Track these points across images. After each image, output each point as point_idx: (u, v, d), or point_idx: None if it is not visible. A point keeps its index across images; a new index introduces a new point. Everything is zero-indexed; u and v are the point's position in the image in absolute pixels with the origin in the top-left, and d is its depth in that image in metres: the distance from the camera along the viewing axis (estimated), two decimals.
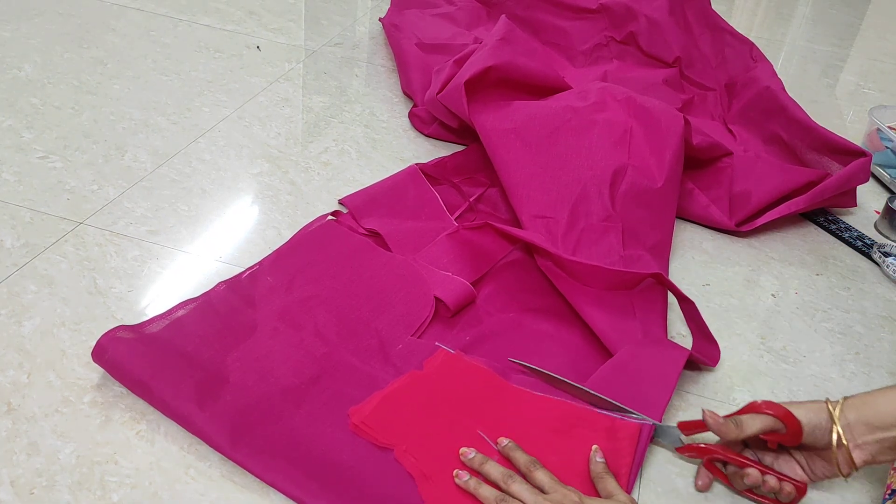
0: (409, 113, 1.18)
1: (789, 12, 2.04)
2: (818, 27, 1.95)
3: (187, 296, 0.76)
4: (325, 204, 0.95)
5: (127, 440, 0.62)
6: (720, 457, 0.64)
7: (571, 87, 1.10)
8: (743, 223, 1.01)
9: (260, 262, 0.81)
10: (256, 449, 0.61)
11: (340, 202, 0.95)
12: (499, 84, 1.05)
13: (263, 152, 1.04)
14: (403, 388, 0.68)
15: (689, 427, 0.65)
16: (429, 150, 1.10)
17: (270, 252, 0.83)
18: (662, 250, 0.92)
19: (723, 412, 0.65)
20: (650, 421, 0.66)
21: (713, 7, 1.49)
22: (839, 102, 1.51)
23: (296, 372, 0.68)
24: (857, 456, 0.61)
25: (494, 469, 0.61)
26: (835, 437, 0.61)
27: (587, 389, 0.68)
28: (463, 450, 0.63)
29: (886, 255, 0.99)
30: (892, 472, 0.65)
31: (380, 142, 1.11)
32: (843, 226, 1.06)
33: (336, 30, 1.46)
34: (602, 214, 0.89)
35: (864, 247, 1.02)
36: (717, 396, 0.75)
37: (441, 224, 0.91)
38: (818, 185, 1.02)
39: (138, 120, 1.07)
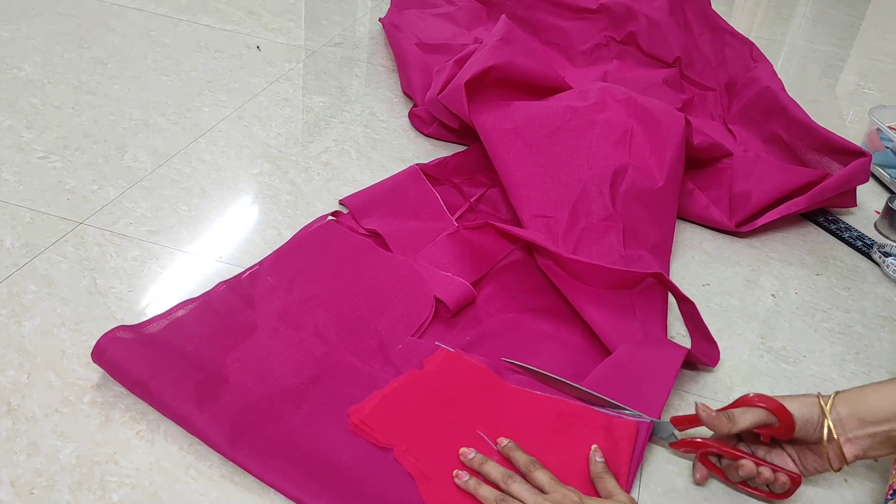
0: (409, 113, 1.18)
1: (789, 12, 2.04)
2: (818, 27, 1.95)
3: (187, 296, 0.76)
4: (325, 204, 0.95)
5: (127, 440, 0.62)
6: (714, 450, 0.64)
7: (571, 87, 1.10)
8: (743, 223, 1.01)
9: (260, 263, 0.81)
10: (256, 449, 0.61)
11: (341, 202, 0.95)
12: (499, 84, 1.05)
13: (263, 152, 1.04)
14: (403, 387, 0.68)
15: (683, 422, 0.65)
16: (429, 150, 1.10)
17: (270, 252, 0.83)
18: (663, 250, 0.92)
19: (718, 408, 0.65)
20: (647, 418, 0.66)
21: (713, 7, 1.49)
22: (839, 102, 1.51)
23: (296, 372, 0.68)
24: (848, 450, 0.61)
25: (494, 469, 0.61)
26: (825, 431, 0.61)
27: (583, 388, 0.69)
28: (463, 450, 0.63)
29: (886, 255, 0.99)
30: (894, 471, 0.65)
31: (380, 142, 1.11)
32: (843, 226, 1.06)
33: (336, 30, 1.46)
34: (602, 214, 0.89)
35: (864, 247, 1.02)
36: (716, 396, 0.75)
37: (441, 224, 0.91)
38: (818, 185, 1.02)
39: (138, 120, 1.07)
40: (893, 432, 0.60)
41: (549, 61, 1.29)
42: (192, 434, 0.62)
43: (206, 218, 0.90)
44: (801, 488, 0.64)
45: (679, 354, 0.73)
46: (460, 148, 1.10)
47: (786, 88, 1.25)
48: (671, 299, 0.84)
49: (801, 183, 1.04)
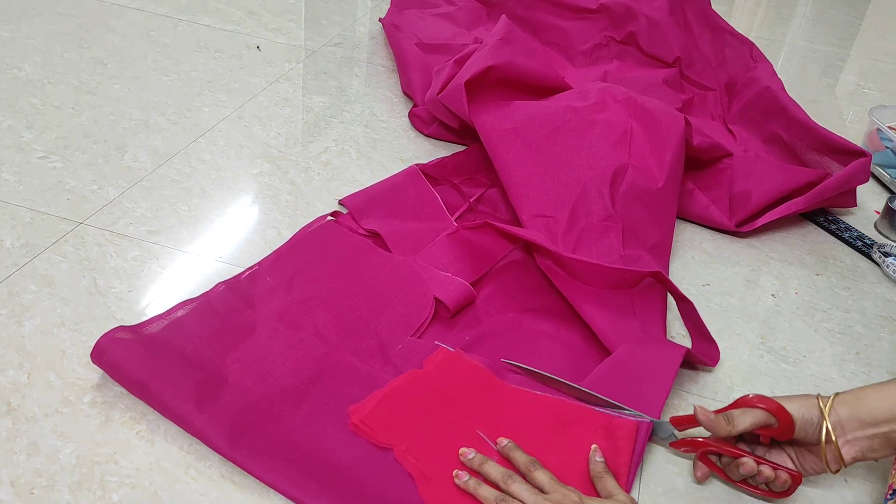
0: (409, 113, 1.18)
1: (789, 12, 2.04)
2: (818, 27, 1.95)
3: (187, 296, 0.76)
4: (325, 204, 0.95)
5: (127, 440, 0.62)
6: (714, 449, 0.64)
7: (571, 87, 1.10)
8: (743, 223, 1.01)
9: (259, 263, 0.81)
10: (256, 449, 0.61)
11: (340, 202, 0.95)
12: (499, 84, 1.05)
13: (263, 152, 1.04)
14: (403, 386, 0.68)
15: (682, 422, 0.65)
16: (429, 150, 1.10)
17: (270, 252, 0.83)
18: (663, 250, 0.92)
19: (718, 408, 0.65)
20: (647, 418, 0.66)
21: (713, 7, 1.49)
22: (839, 102, 1.51)
23: (295, 372, 0.68)
24: (847, 452, 0.61)
25: (494, 469, 0.61)
26: (824, 432, 0.61)
27: (583, 388, 0.69)
28: (462, 450, 0.63)
29: (886, 255, 0.99)
30: (893, 471, 0.65)
31: (380, 142, 1.11)
32: (843, 226, 1.06)
33: (336, 30, 1.46)
34: (602, 214, 0.89)
35: (864, 247, 1.02)
36: (716, 396, 0.75)
37: (441, 224, 0.91)
38: (818, 185, 1.02)
39: (138, 120, 1.07)
40: (893, 433, 0.60)
41: (549, 61, 1.29)
42: (191, 434, 0.62)
43: (206, 218, 0.90)
44: (801, 488, 0.64)
45: (678, 354, 0.73)
46: (460, 148, 1.10)
47: (786, 88, 1.25)
48: (671, 299, 0.84)
49: (801, 183, 1.04)
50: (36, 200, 0.88)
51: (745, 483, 0.64)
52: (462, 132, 1.10)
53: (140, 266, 0.81)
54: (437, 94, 1.07)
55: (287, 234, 0.87)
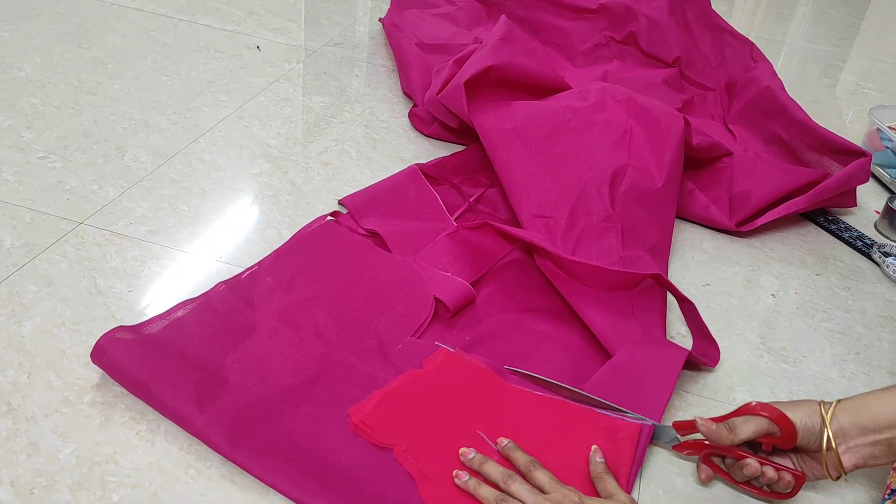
0: (409, 113, 1.18)
1: (789, 12, 2.04)
2: (818, 27, 1.95)
3: (187, 296, 0.76)
4: (325, 204, 0.95)
5: (127, 440, 0.62)
6: (718, 451, 0.64)
7: (571, 87, 1.10)
8: (743, 223, 1.01)
9: (259, 263, 0.81)
10: (256, 449, 0.61)
11: (340, 202, 0.95)
12: (499, 84, 1.05)
13: (263, 152, 1.04)
14: (403, 386, 0.68)
15: (685, 426, 0.65)
16: (429, 150, 1.10)
17: (270, 252, 0.83)
18: (662, 251, 0.92)
19: (722, 412, 0.65)
20: (649, 421, 0.66)
21: (713, 7, 1.49)
22: (839, 102, 1.51)
23: (295, 372, 0.68)
24: (847, 460, 0.61)
25: (494, 469, 0.61)
26: (825, 440, 0.61)
27: (586, 393, 0.68)
28: (462, 450, 0.63)
29: (886, 255, 0.99)
30: (892, 471, 0.65)
31: (380, 142, 1.11)
32: (843, 226, 1.06)
33: (336, 30, 1.46)
34: (602, 214, 0.89)
35: (864, 247, 1.02)
36: (716, 396, 0.75)
37: (441, 224, 0.91)
38: (818, 185, 1.02)
39: (138, 120, 1.07)
40: (895, 440, 0.60)
41: (549, 61, 1.29)
42: (191, 434, 0.62)
43: (206, 218, 0.90)
44: (802, 488, 0.64)
45: (680, 356, 0.73)
46: (460, 148, 1.10)
47: (786, 88, 1.25)
48: (671, 300, 0.84)
49: (801, 183, 1.04)
50: (36, 200, 0.88)
51: (749, 484, 0.64)
52: (462, 132, 1.10)
53: (140, 266, 0.81)
54: (437, 93, 1.07)
55: (287, 234, 0.87)
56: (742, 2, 2.10)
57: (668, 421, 0.67)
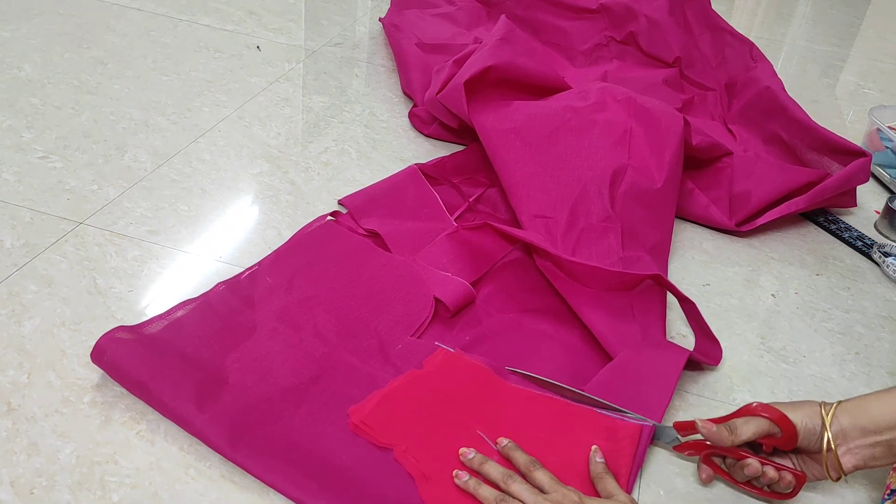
0: (409, 113, 1.18)
1: (789, 12, 2.04)
2: (818, 27, 1.95)
3: (187, 296, 0.76)
4: (325, 204, 0.95)
5: (127, 440, 0.62)
6: (718, 451, 0.64)
7: (571, 87, 1.10)
8: (743, 223, 1.01)
9: (259, 263, 0.81)
10: (256, 449, 0.61)
11: (340, 202, 0.95)
12: (498, 84, 1.05)
13: (263, 152, 1.04)
14: (403, 386, 0.68)
15: (685, 427, 0.65)
16: (429, 150, 1.10)
17: (270, 252, 0.83)
18: (662, 251, 0.92)
19: (723, 412, 0.65)
20: (650, 422, 0.66)
21: (713, 7, 1.49)
22: (839, 102, 1.51)
23: (295, 372, 0.68)
24: (847, 461, 0.61)
25: (494, 469, 0.61)
26: (825, 441, 0.61)
27: (586, 394, 0.68)
28: (462, 450, 0.63)
29: (886, 255, 0.99)
30: (892, 472, 0.65)
31: (380, 142, 1.11)
32: (843, 226, 1.06)
33: (336, 30, 1.46)
34: (602, 215, 0.89)
35: (864, 247, 1.02)
36: (716, 396, 0.75)
37: (440, 224, 0.91)
38: (818, 185, 1.02)
39: (138, 120, 1.07)
40: (895, 441, 0.60)
41: (549, 61, 1.29)
42: (191, 434, 0.62)
43: (206, 218, 0.90)
44: (802, 489, 0.64)
45: (681, 358, 0.73)
46: (460, 148, 1.10)
47: (786, 88, 1.25)
48: (671, 300, 0.84)
49: (801, 183, 1.04)
50: (36, 200, 0.88)
51: (749, 484, 0.64)
52: (462, 132, 1.10)
53: (140, 266, 0.81)
54: (437, 93, 1.07)
55: (287, 234, 0.87)
56: (742, 2, 2.10)
57: (669, 421, 0.67)
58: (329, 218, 0.90)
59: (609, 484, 0.60)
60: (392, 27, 1.39)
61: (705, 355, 0.77)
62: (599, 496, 0.60)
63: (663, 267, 0.91)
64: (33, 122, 1.04)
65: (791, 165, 1.10)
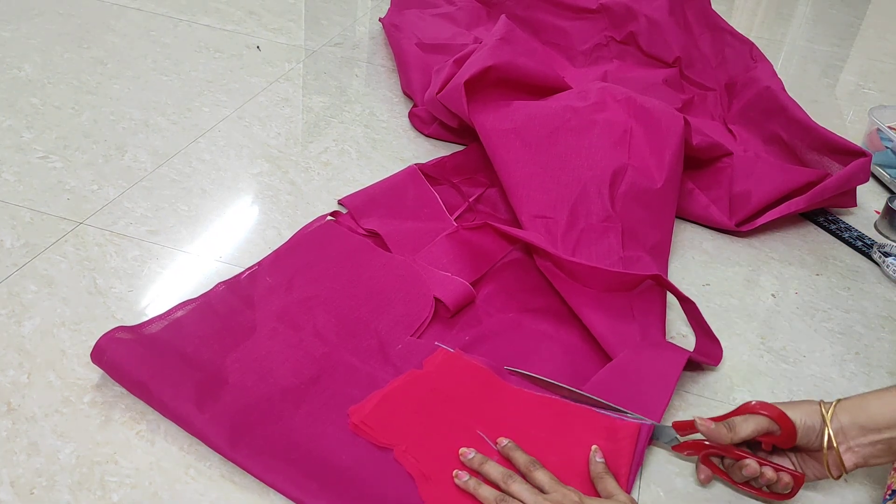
0: (409, 113, 1.18)
1: (789, 12, 2.04)
2: (818, 27, 1.95)
3: (187, 296, 0.76)
4: (325, 204, 0.95)
5: (127, 440, 0.62)
6: (716, 451, 0.64)
7: (571, 87, 1.10)
8: (743, 223, 1.01)
9: (259, 263, 0.81)
10: (256, 449, 0.61)
11: (340, 202, 0.95)
12: (499, 84, 1.05)
13: (263, 152, 1.04)
14: (403, 386, 0.68)
15: (684, 427, 0.65)
16: (429, 150, 1.10)
17: (270, 252, 0.83)
18: (662, 251, 0.92)
19: (722, 412, 0.65)
20: (649, 421, 0.66)
21: (713, 7, 1.49)
22: (839, 102, 1.51)
23: (295, 372, 0.68)
24: (848, 459, 0.61)
25: (494, 469, 0.61)
26: (826, 439, 0.61)
27: (585, 393, 0.68)
28: (462, 450, 0.63)
29: (886, 255, 0.99)
30: (892, 472, 0.65)
31: (380, 142, 1.11)
32: (843, 226, 1.06)
33: (336, 30, 1.46)
34: (602, 215, 0.89)
35: (864, 247, 1.02)
36: (716, 396, 0.75)
37: (440, 224, 0.91)
38: (818, 185, 1.02)
39: (138, 120, 1.07)
40: (895, 440, 0.60)
41: (549, 61, 1.29)
42: (191, 434, 0.62)
43: (206, 218, 0.90)
44: (801, 489, 0.64)
45: (681, 358, 0.73)
46: (460, 148, 1.10)
47: (786, 88, 1.25)
48: (671, 300, 0.84)
49: (801, 183, 1.04)
50: (36, 200, 0.88)
51: (748, 485, 0.64)
52: (462, 132, 1.10)
53: (140, 266, 0.81)
54: (437, 93, 1.07)
55: (287, 234, 0.87)
56: (742, 2, 2.10)
57: (668, 421, 0.67)
58: (329, 218, 0.90)
59: (609, 484, 0.60)
60: (392, 27, 1.39)
61: (705, 355, 0.77)
62: (599, 496, 0.60)
63: (663, 267, 0.91)
64: (33, 122, 1.04)
65: (791, 165, 1.10)
